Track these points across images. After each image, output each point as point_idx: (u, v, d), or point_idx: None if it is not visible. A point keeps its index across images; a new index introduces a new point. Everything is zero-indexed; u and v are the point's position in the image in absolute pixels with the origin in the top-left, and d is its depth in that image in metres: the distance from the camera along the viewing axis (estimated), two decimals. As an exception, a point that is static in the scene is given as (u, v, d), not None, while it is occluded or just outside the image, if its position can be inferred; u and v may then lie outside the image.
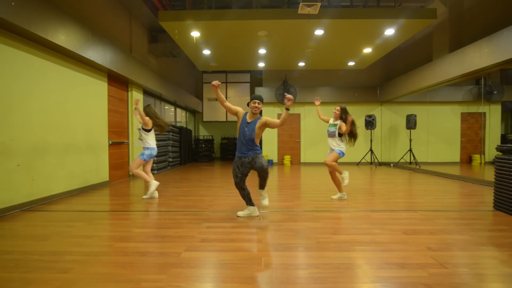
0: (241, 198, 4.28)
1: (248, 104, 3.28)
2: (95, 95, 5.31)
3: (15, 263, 2.06)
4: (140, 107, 4.46)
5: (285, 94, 3.02)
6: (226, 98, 12.39)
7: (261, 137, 3.41)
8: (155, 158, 7.48)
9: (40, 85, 3.99)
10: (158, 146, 7.75)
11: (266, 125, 3.20)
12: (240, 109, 3.29)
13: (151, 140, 4.43)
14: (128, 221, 3.17)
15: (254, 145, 3.19)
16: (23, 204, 3.65)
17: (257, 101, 3.17)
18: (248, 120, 3.19)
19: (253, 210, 3.38)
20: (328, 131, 4.21)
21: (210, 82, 12.30)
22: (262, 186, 3.28)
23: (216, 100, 12.95)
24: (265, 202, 3.26)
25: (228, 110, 3.27)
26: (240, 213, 3.39)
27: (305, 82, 10.53)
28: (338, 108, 4.12)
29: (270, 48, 7.50)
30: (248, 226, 2.95)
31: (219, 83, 3.08)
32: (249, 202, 3.37)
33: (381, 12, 5.74)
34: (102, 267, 2.00)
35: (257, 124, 3.16)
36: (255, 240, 2.55)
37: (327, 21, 5.79)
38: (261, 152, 3.29)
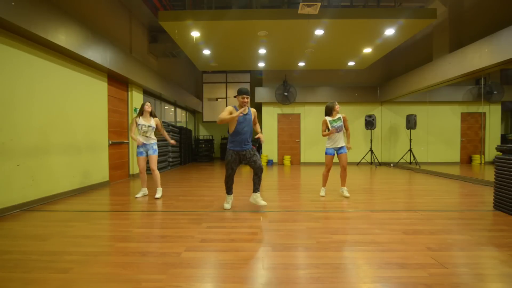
0: (240, 197, 4.29)
1: (235, 97, 3.47)
2: (95, 95, 5.30)
3: (14, 263, 2.06)
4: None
5: (248, 94, 3.40)
6: (226, 98, 12.41)
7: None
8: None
9: (40, 85, 3.99)
10: (158, 146, 7.80)
11: (254, 117, 3.55)
12: (229, 108, 3.38)
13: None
14: (128, 221, 3.17)
15: (251, 135, 3.47)
16: (23, 204, 3.65)
17: (246, 96, 3.38)
18: (245, 112, 3.38)
19: (231, 198, 3.70)
20: (335, 126, 4.22)
21: (210, 82, 12.46)
22: (258, 188, 3.53)
23: (216, 100, 12.94)
24: (263, 202, 3.51)
25: (226, 119, 3.31)
26: (227, 206, 3.64)
27: (305, 82, 10.53)
28: (337, 105, 4.35)
29: (270, 48, 7.50)
30: (248, 226, 2.95)
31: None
32: (230, 191, 3.65)
33: (381, 12, 5.74)
34: (102, 267, 2.00)
35: (252, 115, 3.47)
36: (255, 240, 2.55)
37: (327, 21, 5.78)
38: None
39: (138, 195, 4.42)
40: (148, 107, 4.36)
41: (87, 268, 1.98)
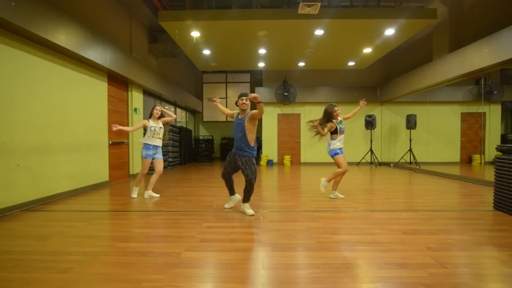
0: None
1: (236, 103, 3.44)
2: (95, 95, 5.30)
3: (15, 263, 2.06)
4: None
5: (246, 96, 3.33)
6: (226, 98, 12.40)
7: (260, 139, 3.61)
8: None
9: (40, 85, 3.99)
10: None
11: (252, 117, 3.27)
12: (234, 112, 3.57)
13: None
14: (128, 221, 3.17)
15: (247, 143, 3.29)
16: (23, 204, 3.65)
17: (244, 97, 3.34)
18: (240, 117, 3.37)
19: (235, 199, 3.71)
20: (341, 128, 4.17)
21: (210, 82, 12.48)
22: (245, 199, 3.48)
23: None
24: (251, 211, 3.41)
25: (228, 115, 3.67)
26: (226, 205, 3.71)
27: (305, 82, 10.53)
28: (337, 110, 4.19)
29: (270, 48, 7.50)
30: (248, 226, 2.95)
31: (217, 100, 3.72)
32: (232, 191, 3.67)
33: (381, 12, 5.74)
34: (102, 267, 2.00)
35: (246, 119, 3.29)
36: (255, 240, 2.55)
37: (327, 21, 5.78)
38: (255, 155, 3.39)
39: (136, 195, 4.41)
40: (157, 113, 4.34)
41: (87, 268, 1.98)
